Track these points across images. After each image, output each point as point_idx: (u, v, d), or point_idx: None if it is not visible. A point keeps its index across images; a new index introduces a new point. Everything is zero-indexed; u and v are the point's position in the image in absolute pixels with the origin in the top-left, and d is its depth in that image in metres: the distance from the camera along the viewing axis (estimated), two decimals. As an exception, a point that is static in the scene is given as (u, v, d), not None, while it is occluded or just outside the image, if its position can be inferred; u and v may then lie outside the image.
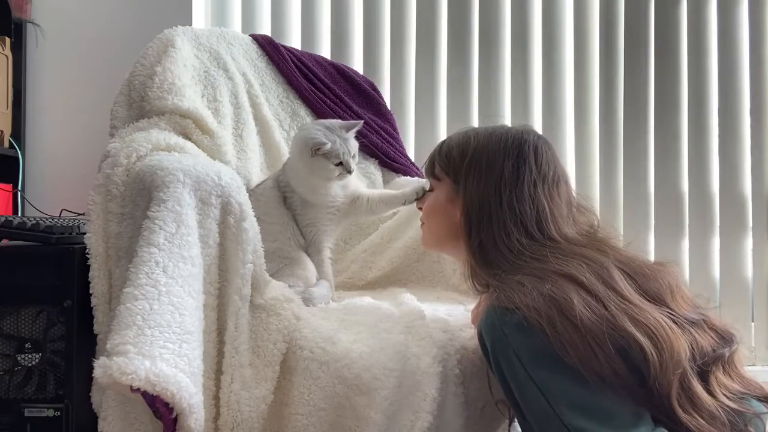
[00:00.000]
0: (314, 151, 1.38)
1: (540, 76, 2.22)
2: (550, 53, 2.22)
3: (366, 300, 1.37)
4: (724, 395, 0.96)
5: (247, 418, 1.08)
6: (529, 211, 1.10)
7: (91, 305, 1.13)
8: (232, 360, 1.10)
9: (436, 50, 2.21)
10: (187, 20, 2.00)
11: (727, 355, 1.00)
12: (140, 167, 1.15)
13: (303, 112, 1.83)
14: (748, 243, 2.19)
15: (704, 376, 0.97)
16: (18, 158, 1.93)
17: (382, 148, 1.88)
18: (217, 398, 1.10)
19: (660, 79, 2.20)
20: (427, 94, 2.21)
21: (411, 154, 2.11)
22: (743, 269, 2.18)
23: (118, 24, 2.04)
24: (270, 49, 1.85)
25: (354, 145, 1.44)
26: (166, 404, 0.96)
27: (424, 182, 1.41)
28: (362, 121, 1.51)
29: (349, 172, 1.42)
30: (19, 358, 1.13)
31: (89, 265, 1.13)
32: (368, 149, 1.85)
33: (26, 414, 1.12)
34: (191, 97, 1.46)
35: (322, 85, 1.89)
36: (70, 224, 1.23)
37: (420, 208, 1.31)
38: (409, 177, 1.89)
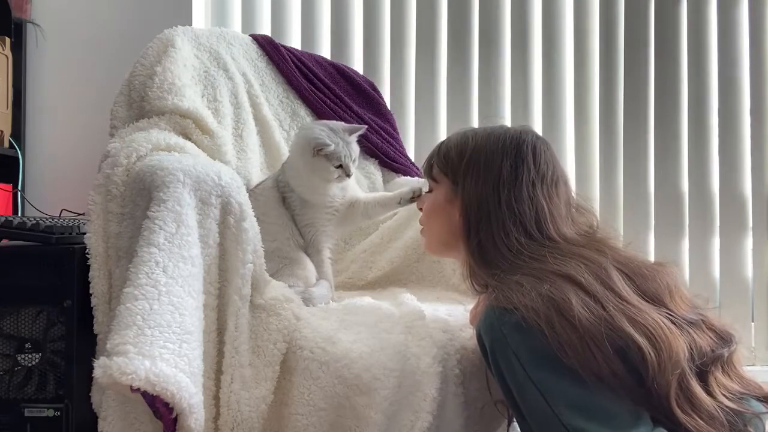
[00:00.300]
0: (316, 151, 1.38)
1: (540, 76, 2.22)
2: (550, 53, 2.22)
3: (366, 300, 1.37)
4: (723, 395, 0.96)
5: (247, 418, 1.08)
6: (527, 211, 1.10)
7: (91, 305, 1.13)
8: (232, 360, 1.10)
9: (436, 50, 2.21)
10: (187, 20, 2.00)
11: (726, 355, 1.00)
12: (140, 167, 1.15)
13: (303, 112, 1.83)
14: (748, 243, 2.19)
15: (703, 377, 0.97)
16: (18, 158, 1.93)
17: (382, 148, 1.88)
18: (217, 398, 1.10)
19: (660, 79, 2.20)
20: (427, 94, 2.21)
21: (411, 154, 2.11)
22: (743, 269, 2.18)
23: (118, 24, 2.04)
24: (270, 49, 1.85)
25: (355, 149, 1.45)
26: (166, 404, 0.96)
27: (422, 182, 1.41)
28: (365, 126, 1.51)
29: (348, 175, 1.42)
30: (19, 358, 1.13)
31: (89, 265, 1.13)
32: (368, 149, 1.85)
33: (26, 414, 1.12)
34: (191, 97, 1.46)
35: (322, 85, 1.89)
36: (70, 224, 1.23)
37: (420, 209, 1.31)
38: (409, 177, 1.89)
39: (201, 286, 1.08)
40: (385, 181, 1.88)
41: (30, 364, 1.13)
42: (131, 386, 0.92)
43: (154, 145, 1.24)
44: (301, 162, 1.43)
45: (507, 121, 2.20)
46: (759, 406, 0.99)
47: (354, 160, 1.44)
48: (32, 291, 1.15)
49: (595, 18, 2.22)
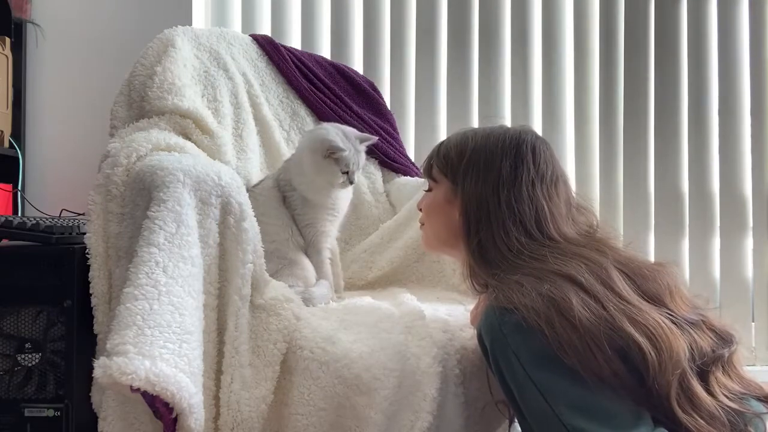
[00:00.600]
0: (329, 153, 1.38)
1: (540, 76, 2.22)
2: (550, 53, 2.22)
3: (366, 300, 1.37)
4: (724, 395, 0.96)
5: (247, 418, 1.08)
6: (527, 210, 1.10)
7: (91, 305, 1.13)
8: (232, 360, 1.10)
9: (436, 50, 2.21)
10: (187, 20, 2.00)
11: (726, 355, 1.00)
12: (140, 167, 1.15)
13: (303, 112, 1.83)
14: (749, 243, 2.19)
15: (704, 377, 0.97)
16: (18, 158, 1.93)
17: (382, 148, 1.88)
18: (217, 398, 1.10)
19: (660, 79, 2.20)
20: (427, 94, 2.21)
21: (411, 154, 2.11)
22: (743, 269, 2.18)
23: (118, 24, 2.04)
24: (270, 49, 1.85)
25: (363, 158, 1.46)
26: (166, 404, 0.96)
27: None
28: (377, 138, 1.52)
29: (351, 182, 1.42)
30: (19, 358, 1.13)
31: (89, 265, 1.13)
32: (368, 149, 1.84)
33: (26, 414, 1.12)
34: (191, 97, 1.46)
35: (322, 85, 1.89)
36: (70, 224, 1.23)
37: (420, 209, 1.31)
38: (408, 177, 1.89)
39: (201, 286, 1.08)
40: (385, 181, 1.88)
41: (30, 364, 1.13)
42: (131, 386, 0.92)
43: (154, 145, 1.24)
44: (309, 161, 1.43)
45: (507, 121, 2.20)
46: (759, 406, 0.99)
47: (359, 169, 1.45)
48: (32, 291, 1.14)
49: (595, 18, 2.22)
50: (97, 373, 0.92)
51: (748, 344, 2.15)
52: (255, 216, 1.23)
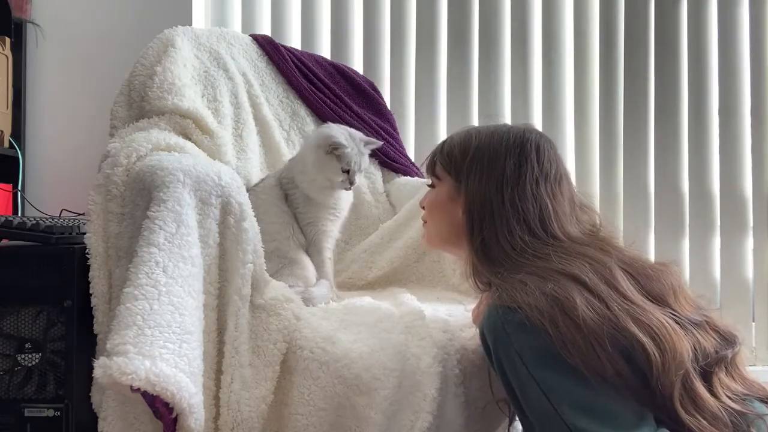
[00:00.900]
0: (331, 148, 1.39)
1: (540, 76, 2.22)
2: (550, 53, 2.22)
3: (366, 300, 1.37)
4: (727, 396, 0.95)
5: (247, 418, 1.08)
6: (531, 209, 1.09)
7: (91, 305, 1.13)
8: (232, 360, 1.10)
9: (436, 50, 2.21)
10: (187, 20, 2.00)
11: (729, 356, 1.00)
12: (140, 167, 1.15)
13: (303, 112, 1.84)
14: (749, 243, 2.19)
15: (707, 378, 0.97)
16: (18, 158, 1.93)
17: (382, 148, 1.88)
18: (217, 398, 1.10)
19: (660, 78, 2.20)
20: (427, 94, 2.21)
21: (411, 154, 2.11)
22: (744, 269, 2.18)
23: (118, 24, 2.04)
24: (270, 49, 1.85)
25: (365, 161, 1.46)
26: (166, 404, 0.96)
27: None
28: (382, 143, 1.51)
29: (351, 183, 1.42)
30: (19, 358, 1.13)
31: (89, 265, 1.13)
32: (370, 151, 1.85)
33: (26, 414, 1.12)
34: (191, 97, 1.46)
35: (322, 85, 1.89)
36: (70, 224, 1.23)
37: (422, 207, 1.30)
38: (408, 177, 1.89)
39: (201, 286, 1.08)
40: (385, 181, 1.88)
41: (30, 364, 1.13)
42: (131, 386, 0.92)
43: (154, 145, 1.24)
44: (311, 157, 1.43)
45: (507, 121, 2.20)
46: (762, 408, 0.99)
47: (361, 171, 1.45)
48: (32, 291, 1.14)
49: (595, 18, 2.22)
50: (97, 373, 0.92)
51: (749, 344, 2.15)
52: (256, 214, 1.23)
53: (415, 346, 1.18)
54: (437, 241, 1.29)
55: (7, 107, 1.89)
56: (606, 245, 1.09)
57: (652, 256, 2.15)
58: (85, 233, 1.15)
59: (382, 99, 2.03)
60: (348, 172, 1.41)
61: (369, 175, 1.85)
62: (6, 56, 1.88)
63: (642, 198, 2.20)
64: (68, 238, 1.19)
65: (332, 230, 1.50)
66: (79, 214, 1.71)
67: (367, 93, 1.99)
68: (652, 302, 0.99)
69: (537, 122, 2.21)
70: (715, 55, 2.20)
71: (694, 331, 0.99)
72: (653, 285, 1.02)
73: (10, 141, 1.90)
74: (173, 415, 0.97)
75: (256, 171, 1.63)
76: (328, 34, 2.21)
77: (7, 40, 1.88)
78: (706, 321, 1.02)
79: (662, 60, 2.20)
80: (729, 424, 0.93)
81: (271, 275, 1.27)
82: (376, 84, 2.06)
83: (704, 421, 0.92)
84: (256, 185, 1.52)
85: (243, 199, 1.17)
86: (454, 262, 1.58)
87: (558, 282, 0.98)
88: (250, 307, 1.15)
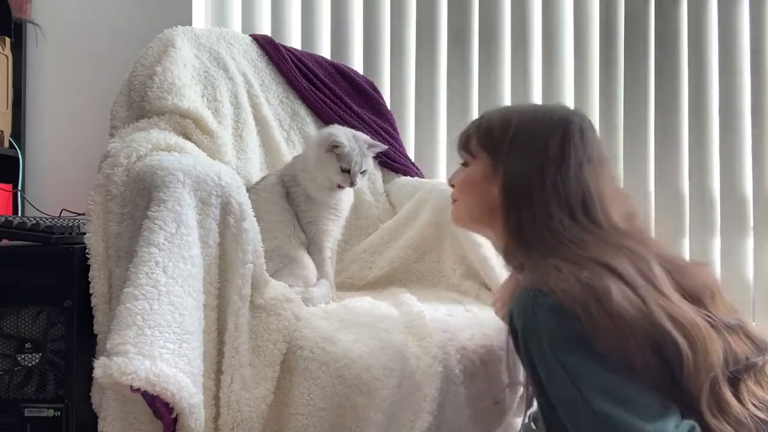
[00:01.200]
0: (332, 146, 1.39)
1: (540, 76, 2.22)
2: (550, 53, 2.22)
3: (366, 300, 1.37)
4: (753, 404, 0.93)
5: (247, 418, 1.08)
6: (574, 192, 1.05)
7: (91, 305, 1.13)
8: (232, 360, 1.10)
9: (436, 50, 2.21)
10: (187, 20, 2.00)
11: (759, 364, 0.97)
12: (140, 167, 1.15)
13: (303, 112, 1.84)
14: (749, 244, 2.18)
15: (734, 383, 0.95)
16: (18, 158, 1.93)
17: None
18: (217, 398, 1.10)
19: (660, 78, 2.19)
20: (427, 94, 2.20)
21: (411, 154, 2.11)
22: (744, 270, 2.18)
23: (118, 24, 2.04)
24: (270, 49, 1.85)
25: (368, 163, 1.46)
26: (166, 404, 0.96)
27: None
28: (386, 147, 1.51)
29: (352, 184, 1.42)
30: (19, 358, 1.13)
31: (89, 265, 1.13)
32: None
33: (26, 414, 1.12)
34: (191, 97, 1.46)
35: (322, 85, 1.89)
36: (70, 224, 1.23)
37: (452, 186, 1.23)
38: (408, 177, 1.89)
39: (201, 286, 1.08)
40: (385, 181, 1.88)
41: (30, 364, 1.13)
42: (131, 386, 0.92)
43: (154, 145, 1.24)
44: (313, 154, 1.44)
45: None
46: None
47: (363, 173, 1.45)
48: (32, 291, 1.14)
49: (595, 18, 2.22)
50: (97, 373, 0.92)
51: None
52: (257, 213, 1.23)
53: (415, 346, 1.18)
54: (467, 220, 1.23)
55: (7, 107, 1.89)
56: (645, 238, 1.05)
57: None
58: (85, 233, 1.15)
59: (382, 99, 2.03)
60: (348, 172, 1.41)
61: (369, 175, 1.84)
62: (6, 56, 1.88)
63: (642, 198, 2.19)
64: (68, 238, 1.19)
65: (333, 230, 1.50)
66: (79, 214, 1.71)
67: (367, 93, 1.99)
68: (688, 301, 0.97)
69: (537, 122, 2.21)
70: (715, 55, 2.20)
71: (727, 335, 0.96)
72: (690, 283, 0.99)
73: (10, 141, 1.90)
74: (173, 415, 0.97)
75: (256, 171, 1.63)
76: (328, 34, 2.21)
77: (7, 40, 1.88)
78: (739, 326, 0.99)
79: (662, 60, 2.19)
80: (753, 431, 0.91)
81: (272, 275, 1.27)
82: (376, 84, 2.06)
83: (728, 426, 0.90)
84: (257, 183, 1.52)
85: (243, 199, 1.17)
86: (454, 262, 1.58)
87: (594, 271, 0.94)
88: (250, 307, 1.15)
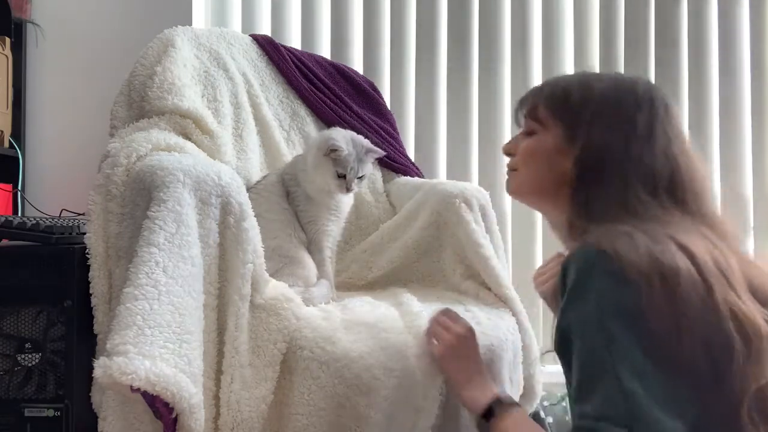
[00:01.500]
0: (329, 150, 1.39)
1: (540, 76, 2.22)
2: (550, 53, 2.22)
3: (366, 300, 1.37)
4: None
5: (247, 418, 1.08)
6: (660, 168, 0.99)
7: (91, 305, 1.13)
8: (232, 360, 1.10)
9: (436, 50, 2.21)
10: (187, 20, 2.00)
11: None
12: (140, 167, 1.15)
13: (303, 112, 1.83)
14: (749, 244, 2.18)
15: None
16: (18, 158, 1.93)
17: (382, 148, 1.88)
18: (217, 398, 1.10)
19: (660, 79, 2.20)
20: (427, 94, 2.21)
21: (411, 154, 2.11)
22: (744, 270, 2.18)
23: (118, 24, 2.04)
24: (270, 49, 1.85)
25: (366, 168, 1.46)
26: (166, 404, 0.96)
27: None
28: (385, 153, 1.51)
29: (348, 189, 1.42)
30: (19, 358, 1.13)
31: (89, 265, 1.13)
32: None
33: (26, 414, 1.12)
34: (191, 97, 1.46)
35: (322, 85, 1.89)
36: (70, 224, 1.23)
37: (510, 154, 1.15)
38: (408, 177, 1.89)
39: (201, 286, 1.08)
40: (385, 181, 1.88)
41: (30, 364, 1.13)
42: (131, 386, 0.92)
43: (154, 145, 1.24)
44: (312, 157, 1.44)
45: (507, 121, 2.21)
46: None
47: (360, 178, 1.45)
48: (32, 291, 1.14)
49: (595, 18, 2.22)
50: (98, 373, 0.92)
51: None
52: (257, 212, 1.23)
53: (415, 346, 1.18)
54: (527, 192, 1.14)
55: (7, 107, 1.89)
56: (725, 229, 0.99)
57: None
58: (85, 233, 1.15)
59: (382, 99, 2.03)
60: (344, 177, 1.41)
61: (369, 175, 1.84)
62: (6, 56, 1.88)
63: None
64: (68, 238, 1.19)
65: (333, 230, 1.50)
66: (79, 214, 1.71)
67: (367, 93, 1.99)
68: (756, 303, 0.91)
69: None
70: (715, 55, 2.20)
71: None
72: (759, 283, 0.93)
73: (10, 141, 1.90)
74: (173, 415, 0.97)
75: (256, 171, 1.63)
76: (328, 34, 2.21)
77: (7, 40, 1.88)
78: None
79: (662, 60, 2.20)
80: None
81: (272, 274, 1.27)
82: (376, 84, 2.06)
83: None
84: (257, 183, 1.52)
85: (243, 199, 1.17)
86: (454, 262, 1.58)
87: (668, 248, 0.88)
88: (250, 307, 1.15)
